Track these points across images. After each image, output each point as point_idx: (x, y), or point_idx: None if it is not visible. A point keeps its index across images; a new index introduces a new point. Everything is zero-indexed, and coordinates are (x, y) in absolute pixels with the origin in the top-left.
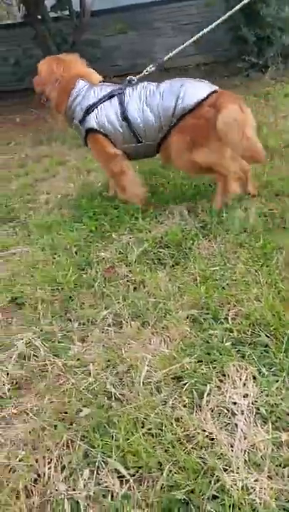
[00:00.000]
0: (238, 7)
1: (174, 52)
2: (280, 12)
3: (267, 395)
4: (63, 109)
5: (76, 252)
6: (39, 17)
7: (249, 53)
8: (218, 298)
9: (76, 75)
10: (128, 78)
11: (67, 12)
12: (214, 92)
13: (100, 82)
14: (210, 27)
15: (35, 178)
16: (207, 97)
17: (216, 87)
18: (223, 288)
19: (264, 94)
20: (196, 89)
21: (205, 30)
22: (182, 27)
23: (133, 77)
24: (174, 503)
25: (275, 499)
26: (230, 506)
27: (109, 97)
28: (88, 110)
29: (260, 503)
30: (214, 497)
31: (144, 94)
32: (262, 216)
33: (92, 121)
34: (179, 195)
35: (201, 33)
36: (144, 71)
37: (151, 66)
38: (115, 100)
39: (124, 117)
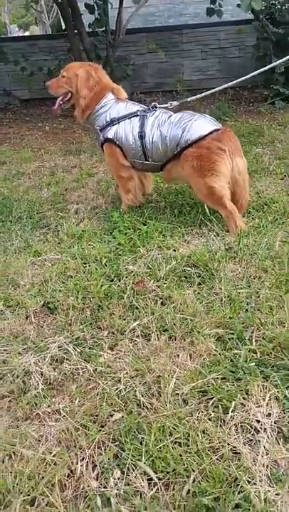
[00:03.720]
0: (280, 61)
1: (199, 95)
2: None
3: None
4: (88, 113)
5: (106, 264)
6: (75, 31)
7: (276, 82)
8: (243, 319)
9: (108, 86)
10: (152, 104)
11: (103, 28)
12: (216, 130)
13: (126, 98)
14: (248, 76)
15: (65, 188)
16: (210, 133)
17: (219, 126)
18: (248, 310)
19: (288, 124)
20: (201, 125)
21: (240, 79)
22: (210, 51)
23: (157, 104)
24: (200, 508)
25: None
26: None
27: (134, 115)
28: (112, 122)
29: None
30: (237, 506)
31: (158, 121)
32: (287, 244)
33: (111, 133)
34: (206, 215)
35: (234, 82)
36: (168, 104)
37: (176, 102)
38: (137, 120)
39: (140, 136)
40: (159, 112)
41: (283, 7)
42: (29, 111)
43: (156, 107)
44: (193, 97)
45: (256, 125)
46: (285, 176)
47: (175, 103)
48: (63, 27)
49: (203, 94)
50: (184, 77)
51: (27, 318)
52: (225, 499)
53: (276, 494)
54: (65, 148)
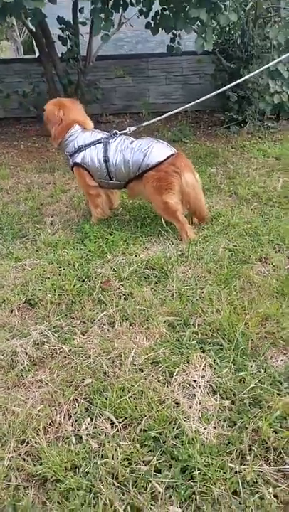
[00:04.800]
0: (228, 87)
1: (155, 119)
2: (260, 79)
3: (218, 377)
4: (59, 141)
5: (78, 267)
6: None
7: (230, 109)
8: (189, 309)
9: (74, 120)
10: (114, 131)
11: (74, 56)
12: (172, 154)
13: (92, 128)
14: (204, 98)
15: (40, 203)
16: (167, 158)
17: (174, 150)
18: (193, 302)
19: (240, 147)
20: (159, 151)
21: (195, 102)
22: (174, 77)
23: (117, 132)
24: (148, 439)
25: (217, 439)
26: (186, 442)
27: (98, 142)
28: (80, 148)
29: (207, 441)
30: (176, 436)
31: (120, 146)
32: (228, 251)
33: (79, 158)
34: (164, 227)
35: (189, 105)
36: (127, 129)
37: (133, 127)
38: (101, 146)
39: (105, 160)
40: (120, 138)
41: (236, 43)
42: (4, 129)
43: (117, 134)
44: (149, 122)
45: (212, 147)
46: (233, 193)
47: (133, 128)
48: (34, 44)
49: (158, 118)
50: (150, 100)
51: (12, 311)
52: (167, 432)
53: (204, 428)
54: (40, 166)
